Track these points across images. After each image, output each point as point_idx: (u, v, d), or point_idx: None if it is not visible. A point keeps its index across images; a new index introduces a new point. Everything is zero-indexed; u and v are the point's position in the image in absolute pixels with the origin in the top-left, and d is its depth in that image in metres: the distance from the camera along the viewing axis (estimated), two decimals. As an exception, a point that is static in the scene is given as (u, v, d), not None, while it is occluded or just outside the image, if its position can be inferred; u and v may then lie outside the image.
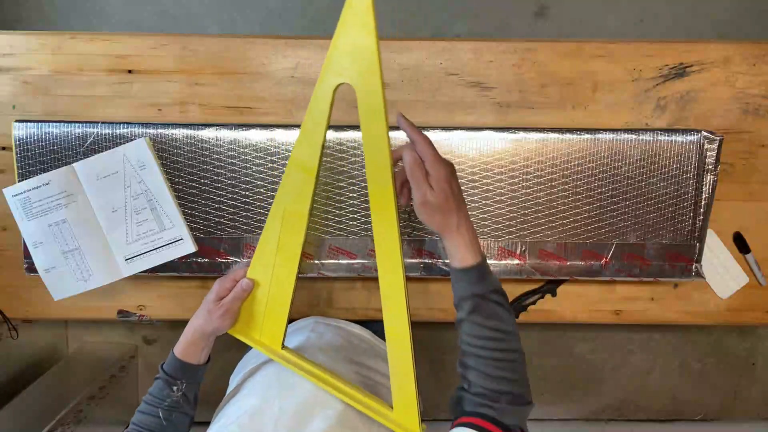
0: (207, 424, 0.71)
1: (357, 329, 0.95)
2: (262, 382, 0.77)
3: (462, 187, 0.95)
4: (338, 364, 0.79)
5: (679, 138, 0.95)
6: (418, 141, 0.69)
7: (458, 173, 0.94)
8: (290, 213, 0.78)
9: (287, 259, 0.79)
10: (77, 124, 0.94)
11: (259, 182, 0.95)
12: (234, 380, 0.87)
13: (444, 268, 0.97)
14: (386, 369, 0.83)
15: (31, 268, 0.96)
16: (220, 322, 0.77)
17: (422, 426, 0.73)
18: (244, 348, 0.98)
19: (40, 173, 0.94)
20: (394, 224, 0.72)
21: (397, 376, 0.74)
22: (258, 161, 0.95)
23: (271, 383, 0.75)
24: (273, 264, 0.79)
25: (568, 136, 0.95)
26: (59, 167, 0.94)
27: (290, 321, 1.00)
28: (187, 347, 0.77)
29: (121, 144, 0.94)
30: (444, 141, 0.95)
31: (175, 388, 0.76)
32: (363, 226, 0.96)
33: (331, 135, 0.94)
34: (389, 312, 0.73)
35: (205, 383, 0.82)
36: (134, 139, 0.94)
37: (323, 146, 0.75)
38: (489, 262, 0.96)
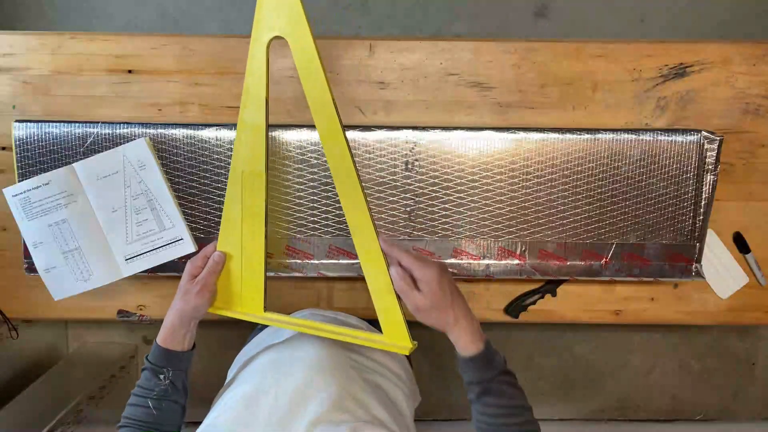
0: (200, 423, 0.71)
1: (353, 320, 0.95)
2: (257, 370, 0.77)
3: (462, 187, 0.95)
4: (334, 352, 0.79)
5: (679, 138, 0.95)
6: (401, 257, 0.73)
7: (458, 173, 0.95)
8: (248, 174, 0.80)
9: (253, 222, 0.81)
10: (77, 124, 0.94)
11: (259, 182, 0.95)
12: (231, 372, 0.87)
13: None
14: (383, 358, 0.83)
15: (31, 268, 0.96)
16: (198, 299, 0.77)
17: (413, 342, 0.75)
18: (242, 343, 0.99)
19: (40, 173, 0.94)
20: (344, 147, 0.75)
21: (380, 300, 0.76)
22: (258, 161, 0.95)
23: (266, 370, 0.75)
24: (240, 231, 0.81)
25: (568, 136, 0.95)
26: (59, 167, 0.94)
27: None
28: (169, 334, 0.77)
29: (121, 144, 0.94)
30: (444, 141, 0.95)
31: (161, 376, 0.76)
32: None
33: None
34: (358, 235, 0.75)
35: (203, 379, 0.82)
36: (134, 139, 0.94)
37: (267, 102, 0.78)
38: (489, 262, 0.97)
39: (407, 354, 0.75)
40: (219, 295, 0.82)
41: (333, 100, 0.75)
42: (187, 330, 0.78)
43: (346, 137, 0.75)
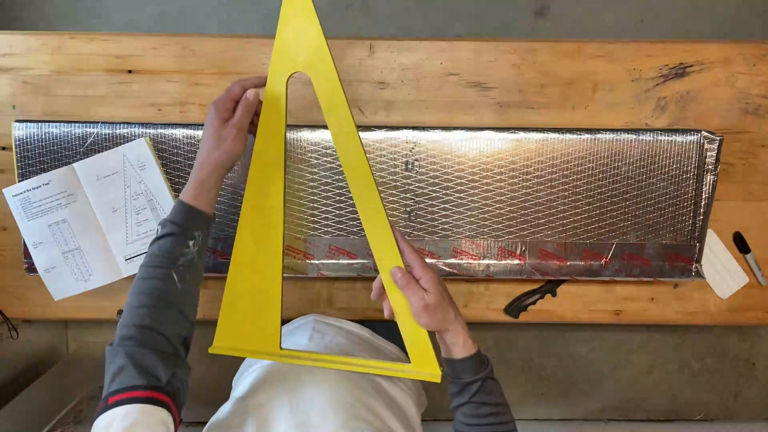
0: (206, 424, 0.70)
1: (357, 329, 0.95)
2: (267, 382, 0.75)
3: (462, 187, 0.95)
4: None
5: (679, 138, 0.95)
6: (406, 250, 0.72)
7: (458, 173, 0.95)
8: (265, 209, 0.76)
9: (269, 257, 0.77)
10: (77, 124, 0.94)
11: (259, 182, 0.95)
12: (238, 382, 0.86)
13: (445, 268, 0.97)
14: None
15: (31, 268, 0.96)
16: (236, 144, 0.71)
17: (441, 368, 0.75)
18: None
19: (40, 173, 0.94)
20: (371, 180, 0.73)
21: (408, 328, 0.74)
22: (258, 161, 0.95)
23: (278, 383, 0.74)
24: (252, 266, 0.77)
25: (568, 136, 0.95)
26: (59, 167, 0.94)
27: (287, 321, 1.00)
28: (198, 190, 0.70)
29: (121, 144, 0.94)
30: (444, 141, 0.95)
31: (191, 242, 0.67)
32: (363, 226, 0.96)
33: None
34: (383, 261, 0.74)
35: (206, 383, 0.80)
36: (134, 139, 0.94)
37: (285, 138, 0.76)
38: (489, 262, 0.98)
39: (438, 382, 0.75)
40: (226, 333, 0.78)
41: (358, 134, 0.73)
42: (217, 187, 0.72)
43: (371, 171, 0.74)
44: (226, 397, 0.80)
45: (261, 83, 0.77)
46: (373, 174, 0.74)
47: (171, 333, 0.66)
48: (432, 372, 0.75)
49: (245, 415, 0.67)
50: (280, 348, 0.78)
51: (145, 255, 0.70)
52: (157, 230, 0.70)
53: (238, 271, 0.78)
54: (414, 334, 0.74)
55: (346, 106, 0.73)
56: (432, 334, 0.74)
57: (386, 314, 0.75)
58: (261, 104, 0.77)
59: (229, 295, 0.79)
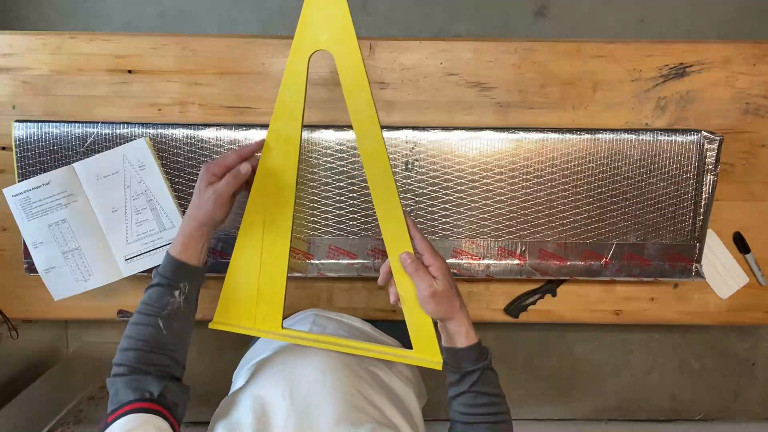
0: (207, 423, 0.70)
1: (358, 323, 0.95)
2: (268, 374, 0.75)
3: (462, 187, 0.95)
4: (342, 357, 0.79)
5: (679, 138, 0.95)
6: (417, 237, 0.74)
7: (458, 173, 0.95)
8: (277, 186, 0.77)
9: (278, 235, 0.78)
10: (77, 124, 0.94)
11: (259, 182, 0.95)
12: (237, 376, 0.86)
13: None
14: (389, 361, 0.83)
15: (31, 268, 0.96)
16: (215, 209, 0.73)
17: (442, 355, 0.75)
18: (245, 347, 0.98)
19: (40, 173, 0.94)
20: (387, 167, 0.73)
21: (412, 314, 0.74)
22: (258, 161, 0.95)
23: (278, 374, 0.74)
24: (261, 244, 0.78)
25: (568, 136, 0.95)
26: (59, 167, 0.94)
27: (287, 315, 1.00)
28: (185, 244, 0.73)
29: (121, 144, 0.94)
30: (444, 141, 0.95)
31: (177, 292, 0.71)
32: (363, 226, 0.96)
33: (331, 135, 0.94)
34: (394, 251, 0.74)
35: (206, 383, 0.80)
36: (134, 139, 0.94)
37: (303, 116, 0.76)
38: (489, 262, 0.98)
39: (440, 369, 0.75)
40: (231, 310, 0.79)
41: (377, 116, 0.73)
42: (204, 241, 0.74)
43: (388, 157, 0.74)
44: (226, 396, 0.80)
45: (258, 149, 0.79)
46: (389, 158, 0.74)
47: (159, 371, 0.70)
48: (434, 359, 0.75)
49: (244, 406, 0.68)
50: (281, 327, 0.79)
51: (140, 301, 0.74)
52: (152, 277, 0.74)
53: (244, 246, 0.79)
54: (418, 320, 0.74)
55: (367, 88, 0.73)
56: (434, 323, 0.74)
57: (392, 300, 0.76)
58: (253, 174, 0.78)
59: (233, 270, 0.80)
